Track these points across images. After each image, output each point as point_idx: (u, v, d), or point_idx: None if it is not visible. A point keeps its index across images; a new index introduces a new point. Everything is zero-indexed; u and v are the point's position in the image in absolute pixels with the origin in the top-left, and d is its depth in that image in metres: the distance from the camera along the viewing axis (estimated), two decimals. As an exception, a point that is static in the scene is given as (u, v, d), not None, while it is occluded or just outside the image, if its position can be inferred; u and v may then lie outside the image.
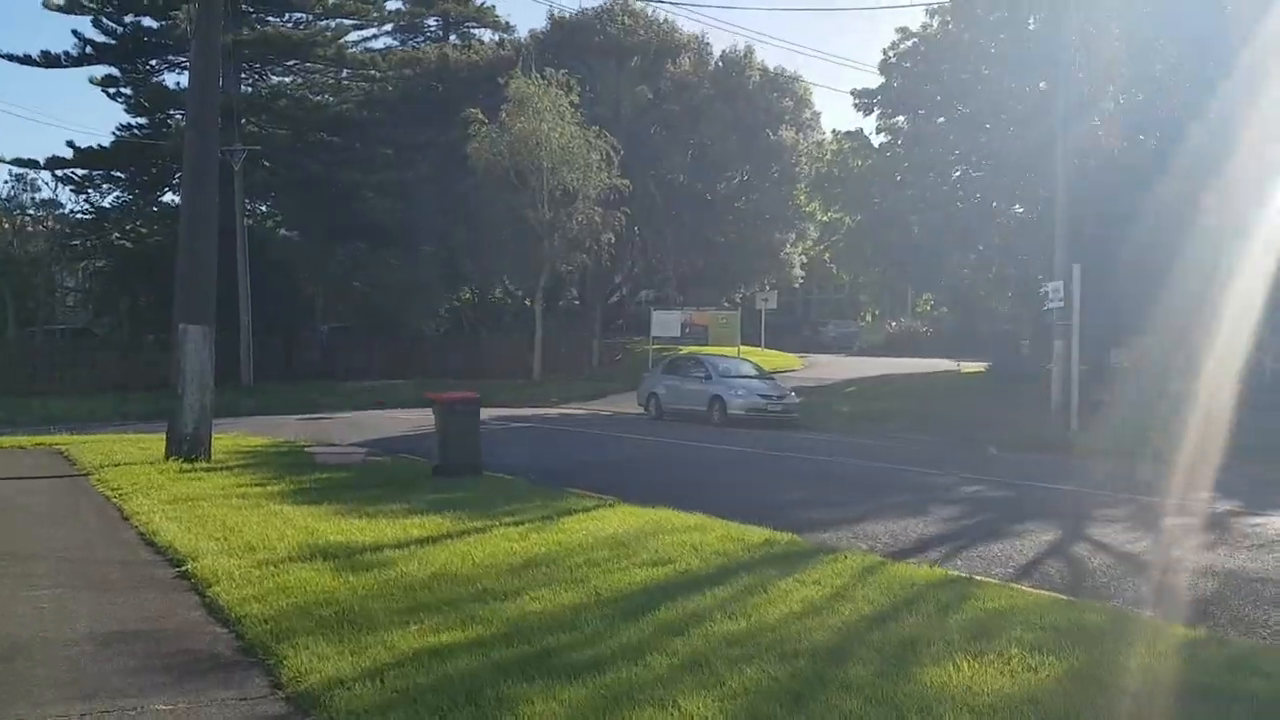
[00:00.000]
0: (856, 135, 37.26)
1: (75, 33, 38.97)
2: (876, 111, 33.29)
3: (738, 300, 46.20)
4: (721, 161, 43.56)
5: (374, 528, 9.33)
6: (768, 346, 42.35)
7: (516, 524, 9.48)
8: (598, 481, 12.95)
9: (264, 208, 45.01)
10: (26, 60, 38.04)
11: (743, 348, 36.86)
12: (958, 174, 32.93)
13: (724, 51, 45.50)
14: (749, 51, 44.61)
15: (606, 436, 22.45)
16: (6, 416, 29.94)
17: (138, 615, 6.70)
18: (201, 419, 15.13)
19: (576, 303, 48.61)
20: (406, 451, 17.54)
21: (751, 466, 16.77)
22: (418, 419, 24.22)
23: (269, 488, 12.34)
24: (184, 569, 7.92)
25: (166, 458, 14.91)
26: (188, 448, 14.92)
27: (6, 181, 40.02)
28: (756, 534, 8.98)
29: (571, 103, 36.46)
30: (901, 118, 33.54)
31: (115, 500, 11.70)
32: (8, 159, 39.08)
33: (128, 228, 41.56)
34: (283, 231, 45.80)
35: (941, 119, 32.53)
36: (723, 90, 43.06)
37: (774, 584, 7.07)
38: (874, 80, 33.93)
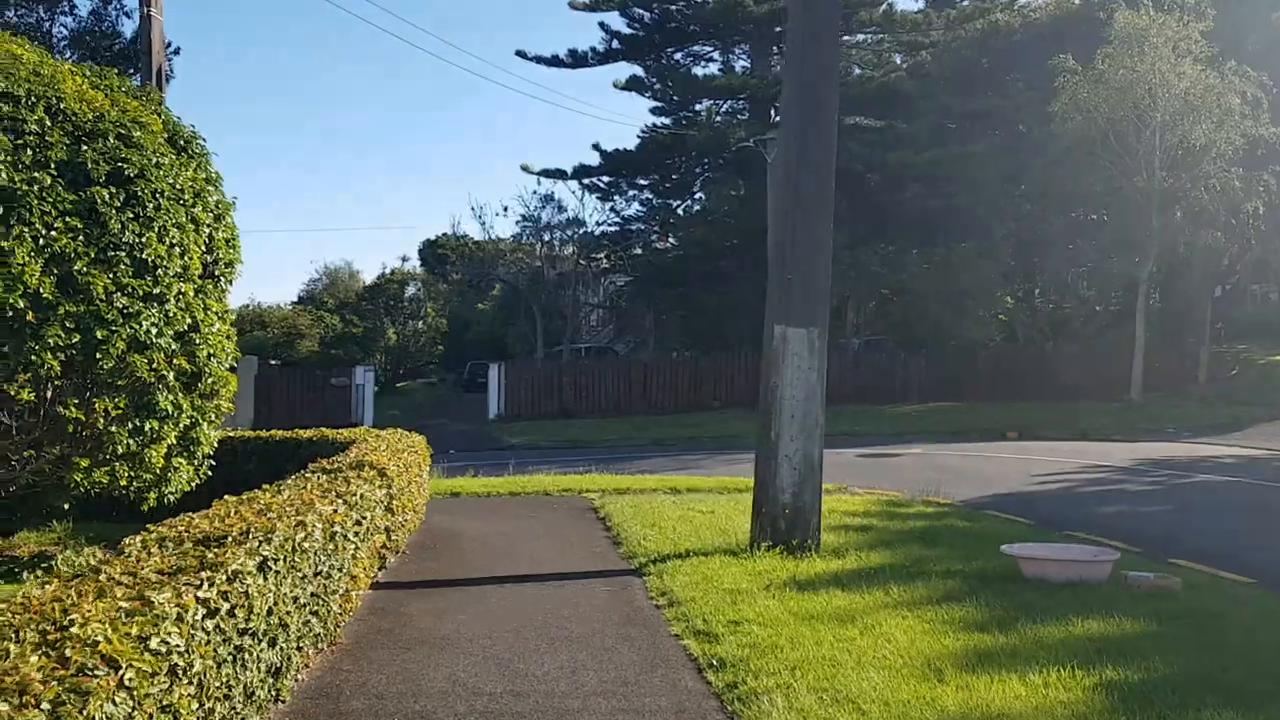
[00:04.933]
0: None
1: (602, 25, 37.19)
2: None
3: None
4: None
5: None
6: None
7: None
8: None
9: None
10: (555, 61, 37.16)
11: None
12: None
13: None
14: None
15: None
16: (529, 441, 27.67)
17: None
18: (806, 480, 9.06)
19: (1156, 301, 37.62)
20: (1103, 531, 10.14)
21: None
22: (1026, 460, 16.67)
23: (976, 638, 5.80)
24: None
25: (754, 543, 9.07)
26: (785, 527, 8.95)
27: (532, 204, 38.40)
28: None
29: (1202, 32, 26.73)
30: None
31: (705, 666, 5.80)
32: (535, 169, 38.33)
33: (652, 237, 39.14)
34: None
35: None
36: None
37: None
38: None
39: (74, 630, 2.99)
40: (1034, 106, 30.87)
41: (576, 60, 37.28)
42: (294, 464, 11.83)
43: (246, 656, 4.14)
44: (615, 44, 37.49)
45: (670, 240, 39.76)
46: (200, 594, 3.68)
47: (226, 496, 6.03)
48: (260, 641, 4.35)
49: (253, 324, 40.43)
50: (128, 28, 29.92)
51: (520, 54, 38.06)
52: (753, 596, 7.28)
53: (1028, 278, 37.64)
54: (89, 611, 3.16)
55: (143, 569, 3.97)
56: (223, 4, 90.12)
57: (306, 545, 5.13)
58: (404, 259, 60.67)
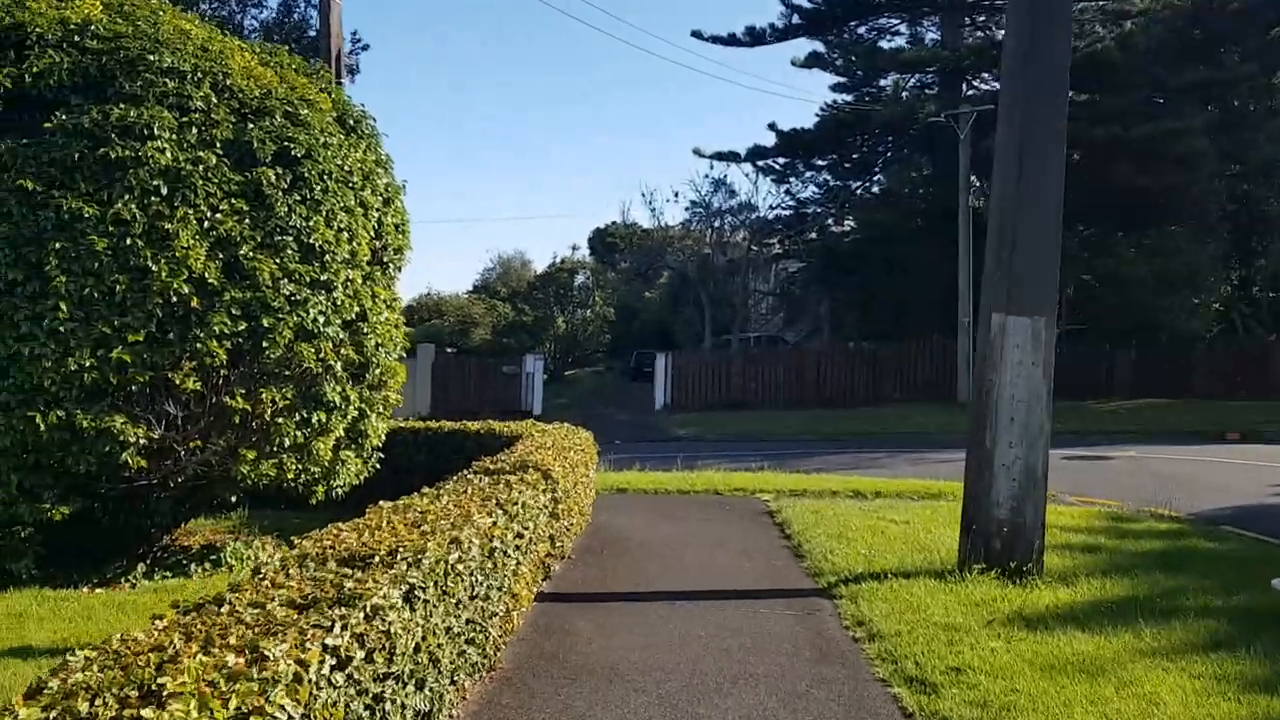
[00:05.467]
0: None
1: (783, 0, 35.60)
2: None
3: None
4: None
5: None
6: None
7: None
8: None
9: (987, 183, 37.55)
10: (732, 40, 36.05)
11: None
12: None
13: None
14: None
15: None
16: (696, 433, 26.90)
17: None
18: (1027, 493, 7.83)
19: None
20: None
21: None
22: (1256, 466, 14.62)
23: (1265, 704, 4.63)
24: None
25: (963, 564, 7.93)
26: (1001, 547, 7.77)
27: (703, 189, 37.52)
28: None
29: None
30: None
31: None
32: (708, 153, 37.42)
33: (828, 222, 37.60)
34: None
35: None
36: None
37: None
38: None
39: (166, 693, 2.37)
40: (1254, 79, 27.65)
41: (755, 38, 36.03)
42: (461, 457, 11.45)
43: (388, 706, 3.48)
44: (795, 19, 36.05)
45: (848, 223, 38.06)
46: (330, 640, 3.02)
47: (382, 503, 5.47)
48: (405, 685, 3.69)
49: (430, 312, 41.42)
50: (317, 22, 30.92)
51: (696, 34, 37.09)
52: (972, 634, 6.20)
53: (1246, 263, 33.98)
54: (186, 667, 2.53)
55: (272, 601, 3.36)
56: None
57: (461, 566, 4.47)
58: (574, 248, 61.09)
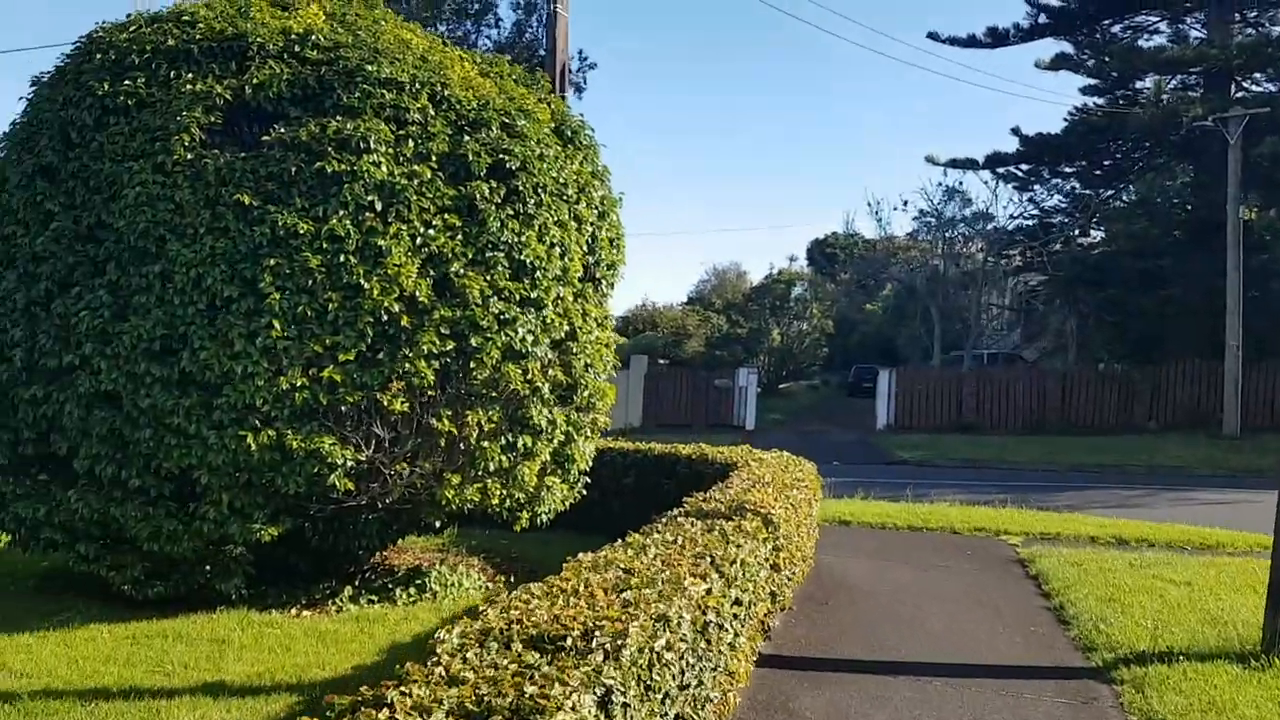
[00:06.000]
0: None
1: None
2: None
3: None
4: None
5: None
6: None
7: None
8: None
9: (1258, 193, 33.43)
10: (971, 42, 33.86)
11: None
12: None
13: None
14: None
15: None
16: (923, 457, 25.16)
17: None
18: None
19: None
20: None
21: None
22: None
23: None
24: None
25: (1270, 645, 6.47)
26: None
27: (935, 197, 35.45)
28: None
29: None
30: None
31: None
32: (941, 160, 35.29)
33: (1074, 232, 34.64)
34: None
35: None
36: None
37: None
38: None
39: None
40: None
41: (996, 39, 33.72)
42: (671, 482, 10.83)
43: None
44: (1042, 18, 33.47)
45: (1098, 234, 34.91)
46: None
47: (582, 556, 4.83)
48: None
49: (645, 324, 41.49)
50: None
51: (932, 36, 35.00)
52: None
53: None
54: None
55: (439, 707, 2.74)
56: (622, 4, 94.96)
57: (670, 654, 3.74)
58: (791, 259, 59.90)
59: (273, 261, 6.70)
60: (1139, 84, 32.85)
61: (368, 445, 7.03)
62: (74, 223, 6.91)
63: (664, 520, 5.97)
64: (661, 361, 37.76)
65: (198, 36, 7.24)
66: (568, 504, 8.81)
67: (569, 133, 8.66)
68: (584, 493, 9.03)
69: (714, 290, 58.29)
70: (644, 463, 11.37)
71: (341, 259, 6.80)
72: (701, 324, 42.20)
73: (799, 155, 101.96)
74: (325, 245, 6.79)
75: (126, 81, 6.98)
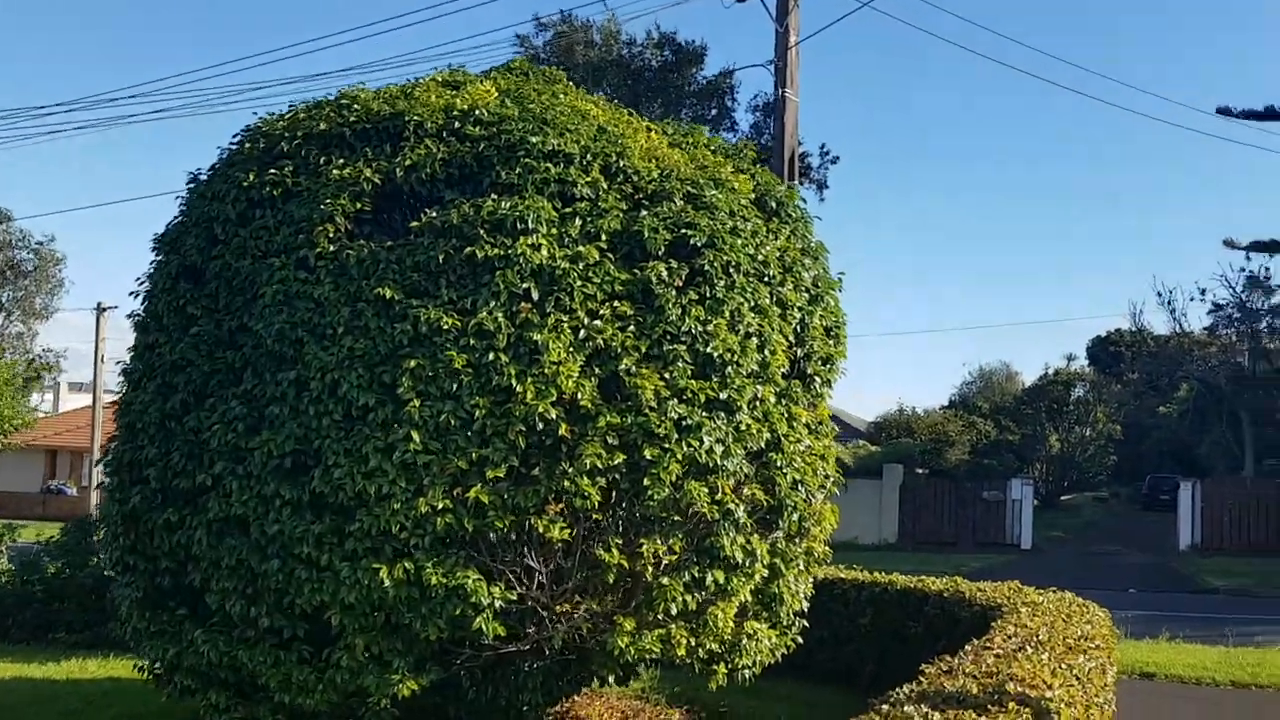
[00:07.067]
0: None
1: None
2: None
3: None
4: None
5: None
6: None
7: None
8: None
9: None
10: (1270, 115, 29.61)
11: None
12: None
13: None
14: None
15: None
16: (1239, 585, 20.97)
17: None
18: None
19: None
20: None
21: None
22: None
23: None
24: None
25: None
26: None
27: (1238, 285, 30.88)
28: None
29: None
30: None
31: None
32: (1242, 244, 30.72)
33: None
34: None
35: None
36: None
37: None
38: None
39: None
40: None
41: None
42: (919, 624, 8.94)
43: None
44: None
45: None
46: None
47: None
48: None
49: (899, 430, 38.72)
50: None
51: (1224, 111, 30.87)
52: None
53: None
54: None
55: None
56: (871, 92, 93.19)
57: None
58: (1070, 358, 54.63)
59: (413, 363, 5.75)
60: None
61: (521, 581, 5.82)
62: (215, 327, 6.32)
63: (884, 710, 4.25)
64: (919, 471, 34.82)
65: (352, 119, 6.61)
66: (779, 654, 7.16)
67: (773, 204, 7.34)
68: (799, 640, 7.36)
69: (980, 393, 54.25)
70: (883, 599, 9.50)
71: (490, 357, 5.75)
72: (965, 430, 38.83)
73: (1074, 247, 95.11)
74: (473, 342, 5.78)
75: (273, 171, 6.41)
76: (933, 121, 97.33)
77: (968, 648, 5.70)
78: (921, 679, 4.95)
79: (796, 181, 16.28)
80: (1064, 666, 5.42)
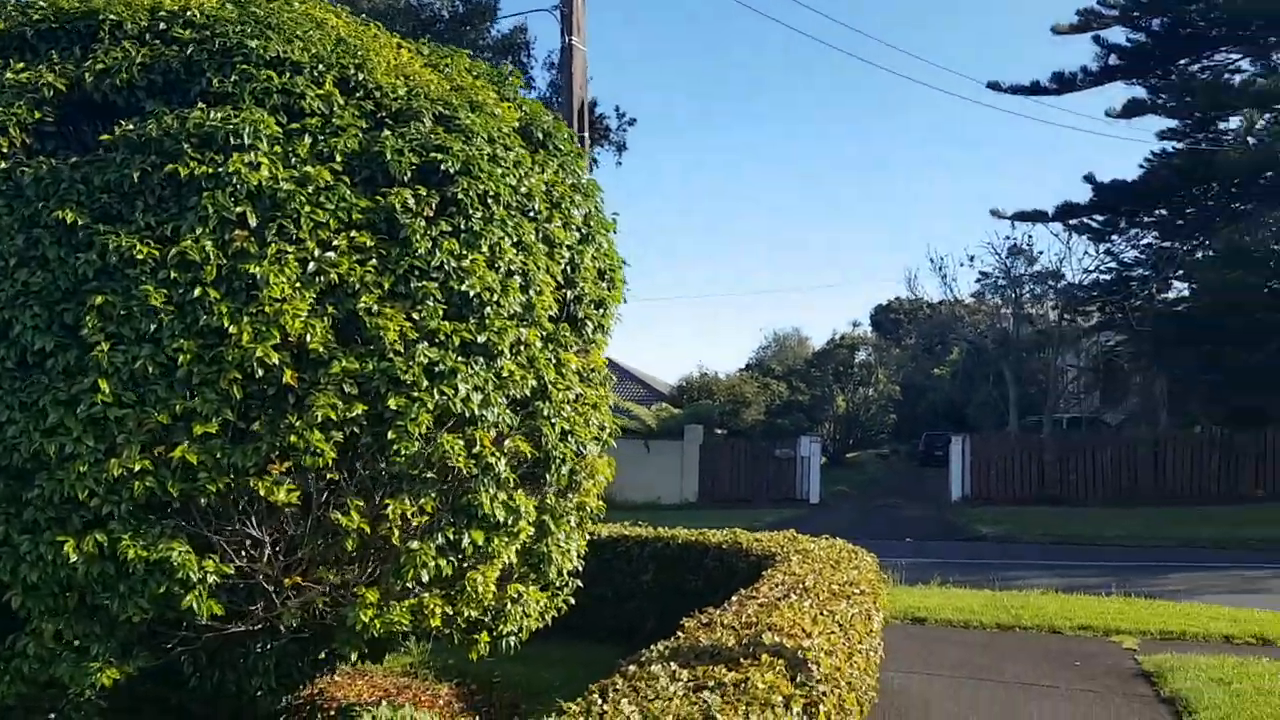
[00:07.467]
0: None
1: (1097, 39, 31.11)
2: None
3: None
4: None
5: None
6: None
7: None
8: None
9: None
10: (1035, 89, 31.65)
11: None
12: None
13: None
14: None
15: None
16: (1006, 532, 22.49)
17: None
18: None
19: None
20: None
21: None
22: None
23: None
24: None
25: None
26: None
27: (1003, 253, 32.95)
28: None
29: None
30: None
31: None
32: (1007, 214, 32.92)
33: (1153, 288, 31.87)
34: None
35: None
36: None
37: None
38: None
39: None
40: None
41: (1063, 85, 31.57)
42: (699, 576, 8.76)
43: None
44: (1113, 60, 31.31)
45: (1186, 287, 32.10)
46: None
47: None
48: None
49: (700, 392, 39.39)
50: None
51: (993, 85, 32.79)
52: None
53: None
54: None
55: None
56: (652, 46, 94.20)
57: None
58: (854, 324, 57.55)
59: (100, 300, 4.85)
60: (1223, 125, 30.41)
61: (239, 552, 5.07)
62: None
63: (629, 672, 3.84)
64: (719, 431, 35.50)
65: (36, 18, 5.56)
66: (549, 617, 6.71)
67: (540, 134, 6.78)
68: (572, 600, 6.93)
69: (775, 357, 56.09)
70: (665, 554, 9.25)
71: (197, 293, 4.92)
72: (761, 391, 39.95)
73: (858, 214, 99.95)
74: (174, 275, 4.93)
75: (-70, 74, 5.29)
76: (735, 87, 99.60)
77: (734, 598, 5.42)
78: (680, 634, 4.60)
79: (588, 135, 15.81)
80: (826, 613, 5.22)
